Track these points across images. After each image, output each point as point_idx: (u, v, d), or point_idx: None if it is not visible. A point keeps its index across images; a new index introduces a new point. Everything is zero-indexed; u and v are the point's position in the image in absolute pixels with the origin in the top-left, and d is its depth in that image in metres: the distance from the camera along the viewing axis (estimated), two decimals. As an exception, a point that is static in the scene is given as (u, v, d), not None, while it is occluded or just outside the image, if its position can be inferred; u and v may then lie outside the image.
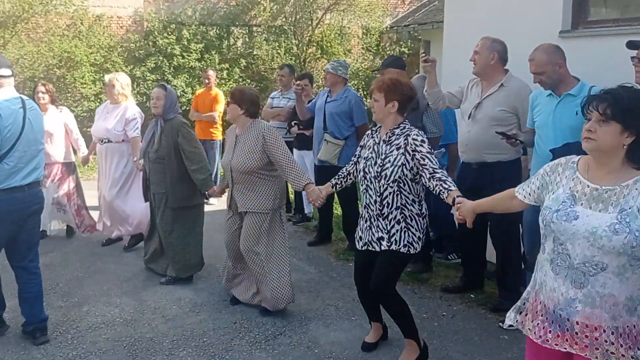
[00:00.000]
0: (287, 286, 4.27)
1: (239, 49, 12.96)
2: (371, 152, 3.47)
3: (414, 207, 3.40)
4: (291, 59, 12.78)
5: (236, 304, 4.52)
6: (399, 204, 3.38)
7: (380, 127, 3.54)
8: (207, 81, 7.76)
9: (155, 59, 11.67)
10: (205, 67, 8.67)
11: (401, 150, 3.33)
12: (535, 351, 2.28)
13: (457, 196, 3.07)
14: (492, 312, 4.30)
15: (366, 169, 3.46)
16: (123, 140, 5.80)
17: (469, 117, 4.19)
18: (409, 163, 3.32)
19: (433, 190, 3.26)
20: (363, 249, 3.57)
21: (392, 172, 3.33)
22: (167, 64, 11.71)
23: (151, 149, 4.94)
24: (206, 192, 4.90)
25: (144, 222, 5.74)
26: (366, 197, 3.50)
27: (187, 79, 11.72)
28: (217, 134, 7.80)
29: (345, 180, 3.79)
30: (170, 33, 11.86)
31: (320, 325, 4.18)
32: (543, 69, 3.68)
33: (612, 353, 2.04)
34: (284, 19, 13.29)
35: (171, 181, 4.85)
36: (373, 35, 14.17)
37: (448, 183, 3.20)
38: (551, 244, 2.17)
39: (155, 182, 4.95)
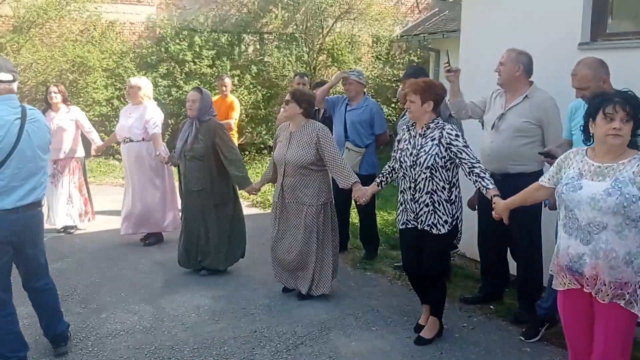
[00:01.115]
0: (330, 273, 4.72)
1: (250, 55, 13.01)
2: (407, 144, 3.84)
3: (443, 193, 3.74)
4: (302, 67, 12.82)
5: (288, 291, 4.84)
6: (429, 189, 3.74)
7: (415, 122, 3.89)
8: (224, 88, 7.78)
9: (167, 65, 11.72)
10: (221, 75, 8.68)
11: (435, 142, 3.70)
12: (563, 298, 2.86)
13: (494, 195, 3.44)
14: (512, 324, 4.27)
15: (402, 159, 3.84)
16: (143, 139, 6.01)
17: (492, 128, 4.18)
18: (441, 153, 3.67)
19: (473, 184, 3.65)
20: (401, 227, 3.97)
21: (425, 159, 3.69)
22: (179, 70, 11.76)
23: (187, 149, 5.14)
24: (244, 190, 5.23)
25: (170, 220, 6.26)
26: (402, 184, 3.90)
27: (198, 85, 11.74)
28: (233, 140, 7.81)
29: (390, 176, 4.13)
30: (182, 39, 11.91)
31: (341, 335, 4.17)
32: (587, 84, 3.60)
33: (601, 291, 2.62)
34: (295, 27, 13.34)
35: (211, 179, 5.15)
36: (383, 43, 14.22)
37: (487, 180, 3.56)
38: (563, 211, 2.72)
39: (193, 180, 5.17)
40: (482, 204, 4.35)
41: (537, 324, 4.04)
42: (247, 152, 12.31)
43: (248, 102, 12.20)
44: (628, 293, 2.59)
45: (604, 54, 4.27)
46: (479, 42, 5.38)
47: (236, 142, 7.93)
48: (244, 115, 11.97)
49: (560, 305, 2.90)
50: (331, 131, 5.84)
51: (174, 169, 5.93)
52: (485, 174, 3.58)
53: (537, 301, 4.10)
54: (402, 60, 14.48)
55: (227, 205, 5.27)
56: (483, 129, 4.44)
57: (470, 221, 4.56)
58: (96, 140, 6.70)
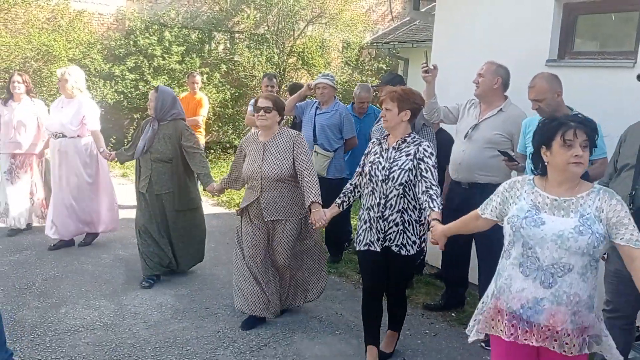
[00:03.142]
0: (323, 278, 4.51)
1: (220, 54, 12.93)
2: (378, 157, 3.56)
3: (414, 212, 3.52)
4: (272, 68, 12.80)
5: (250, 329, 4.25)
6: (400, 208, 3.49)
7: (387, 135, 3.63)
8: (194, 86, 7.74)
9: (136, 58, 11.52)
10: (191, 72, 8.58)
11: (410, 157, 3.46)
12: (505, 349, 2.47)
13: (434, 219, 3.21)
14: (473, 332, 4.36)
15: (372, 172, 3.54)
16: (78, 136, 5.71)
17: (465, 137, 4.26)
18: (414, 169, 3.45)
19: (422, 203, 3.41)
20: (363, 249, 3.65)
21: (399, 175, 3.44)
22: (147, 64, 11.57)
23: (151, 150, 4.91)
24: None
25: (107, 220, 5.94)
26: (370, 200, 3.58)
27: (166, 80, 11.60)
28: (200, 138, 7.75)
29: (353, 194, 3.81)
30: (152, 34, 11.74)
31: (305, 338, 4.17)
32: (543, 96, 3.75)
33: (566, 343, 2.32)
34: (266, 28, 13.32)
35: (178, 183, 4.98)
36: (353, 49, 14.33)
37: (435, 203, 3.33)
38: (520, 248, 2.39)
39: (160, 182, 4.93)
40: (446, 214, 4.42)
41: None
42: (212, 151, 12.22)
43: (216, 100, 12.11)
44: (591, 338, 2.37)
45: (570, 71, 4.44)
46: (451, 54, 5.47)
47: (203, 140, 7.91)
48: (212, 114, 11.88)
49: (499, 356, 2.53)
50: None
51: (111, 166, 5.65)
52: (437, 198, 3.36)
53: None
54: (371, 67, 14.62)
55: (190, 211, 5.11)
56: None
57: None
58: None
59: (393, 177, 3.45)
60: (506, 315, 2.42)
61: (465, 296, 4.81)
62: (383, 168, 3.51)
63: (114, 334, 4.07)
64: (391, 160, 3.50)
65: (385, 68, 14.48)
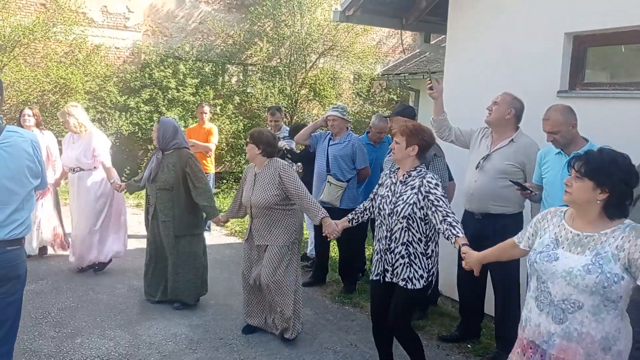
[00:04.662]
0: (294, 317, 4.54)
1: (233, 86, 13.15)
2: (387, 191, 3.66)
3: (419, 245, 3.54)
4: (284, 99, 12.99)
5: (250, 333, 4.66)
6: (404, 241, 3.54)
7: (398, 168, 3.71)
8: (203, 116, 7.90)
9: (150, 90, 11.77)
10: (201, 103, 8.75)
11: (415, 190, 3.51)
12: None
13: (463, 244, 3.24)
14: (489, 364, 4.33)
15: (381, 206, 3.64)
16: (95, 167, 5.87)
17: (476, 167, 4.29)
18: (419, 202, 3.48)
19: (443, 233, 3.41)
20: (374, 278, 3.72)
21: (402, 208, 3.50)
22: (162, 97, 11.81)
23: (156, 180, 5.07)
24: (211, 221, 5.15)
25: (116, 247, 6.06)
26: (379, 232, 3.69)
27: (180, 112, 11.81)
28: (210, 167, 7.87)
29: (362, 215, 3.96)
30: (167, 67, 12.01)
31: (319, 368, 4.17)
32: (558, 129, 3.78)
33: None
34: (279, 60, 13.55)
35: (178, 209, 5.07)
36: (364, 81, 14.51)
37: (457, 229, 3.36)
38: (535, 282, 2.43)
39: (163, 210, 5.09)
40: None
41: None
42: (225, 181, 12.31)
43: (229, 131, 12.27)
44: None
45: (581, 102, 4.46)
46: (462, 86, 5.53)
47: (213, 170, 8.03)
48: (224, 144, 12.04)
49: None
50: (314, 165, 5.94)
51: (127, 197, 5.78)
52: (457, 224, 3.39)
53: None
54: (382, 98, 14.78)
55: (192, 237, 5.15)
56: None
57: (447, 260, 4.64)
58: (58, 171, 6.35)
59: (397, 211, 3.52)
60: (525, 344, 2.47)
61: (481, 327, 4.77)
62: (390, 202, 3.59)
63: (129, 364, 4.08)
64: (397, 195, 3.58)
65: (396, 99, 14.64)
